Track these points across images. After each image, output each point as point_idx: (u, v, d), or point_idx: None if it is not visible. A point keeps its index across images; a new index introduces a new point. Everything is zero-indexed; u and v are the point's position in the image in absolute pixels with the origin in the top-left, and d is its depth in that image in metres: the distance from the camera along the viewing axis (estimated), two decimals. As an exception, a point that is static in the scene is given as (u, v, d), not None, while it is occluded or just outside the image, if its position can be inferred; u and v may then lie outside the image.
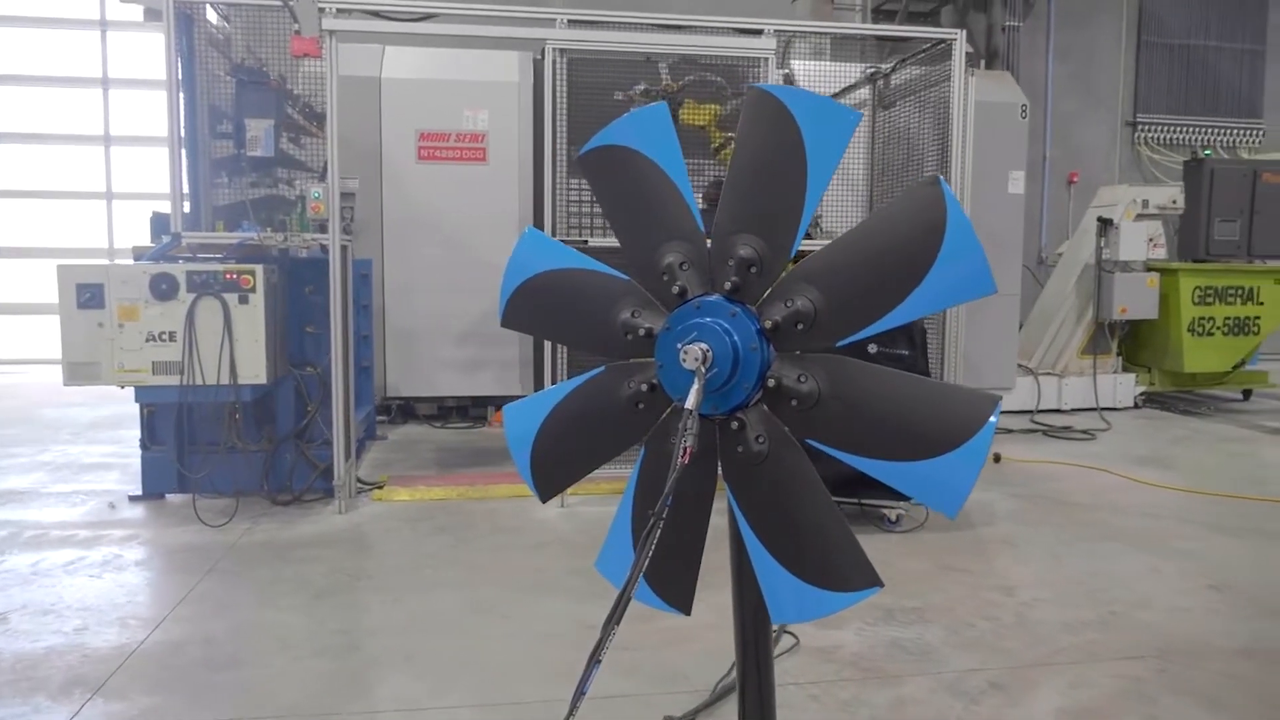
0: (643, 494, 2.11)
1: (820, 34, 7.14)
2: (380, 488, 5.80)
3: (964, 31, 5.51)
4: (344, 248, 5.41)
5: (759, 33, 5.42)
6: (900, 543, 4.85)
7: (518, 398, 7.75)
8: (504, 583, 4.26)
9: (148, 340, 4.88)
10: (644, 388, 2.03)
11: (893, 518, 5.09)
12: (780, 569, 1.98)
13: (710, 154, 6.49)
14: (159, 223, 5.71)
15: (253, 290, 4.91)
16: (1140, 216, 9.27)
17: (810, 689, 3.23)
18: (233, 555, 4.55)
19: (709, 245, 2.01)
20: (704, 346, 1.90)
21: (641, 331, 2.02)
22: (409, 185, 7.76)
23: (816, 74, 7.11)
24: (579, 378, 2.17)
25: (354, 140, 7.09)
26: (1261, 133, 14.07)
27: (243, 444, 5.37)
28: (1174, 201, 9.48)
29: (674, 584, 2.16)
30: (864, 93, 7.00)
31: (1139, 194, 9.40)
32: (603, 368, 2.15)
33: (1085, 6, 13.68)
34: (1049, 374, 9.19)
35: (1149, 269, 9.22)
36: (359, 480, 5.81)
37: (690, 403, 1.88)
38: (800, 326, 1.90)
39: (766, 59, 5.38)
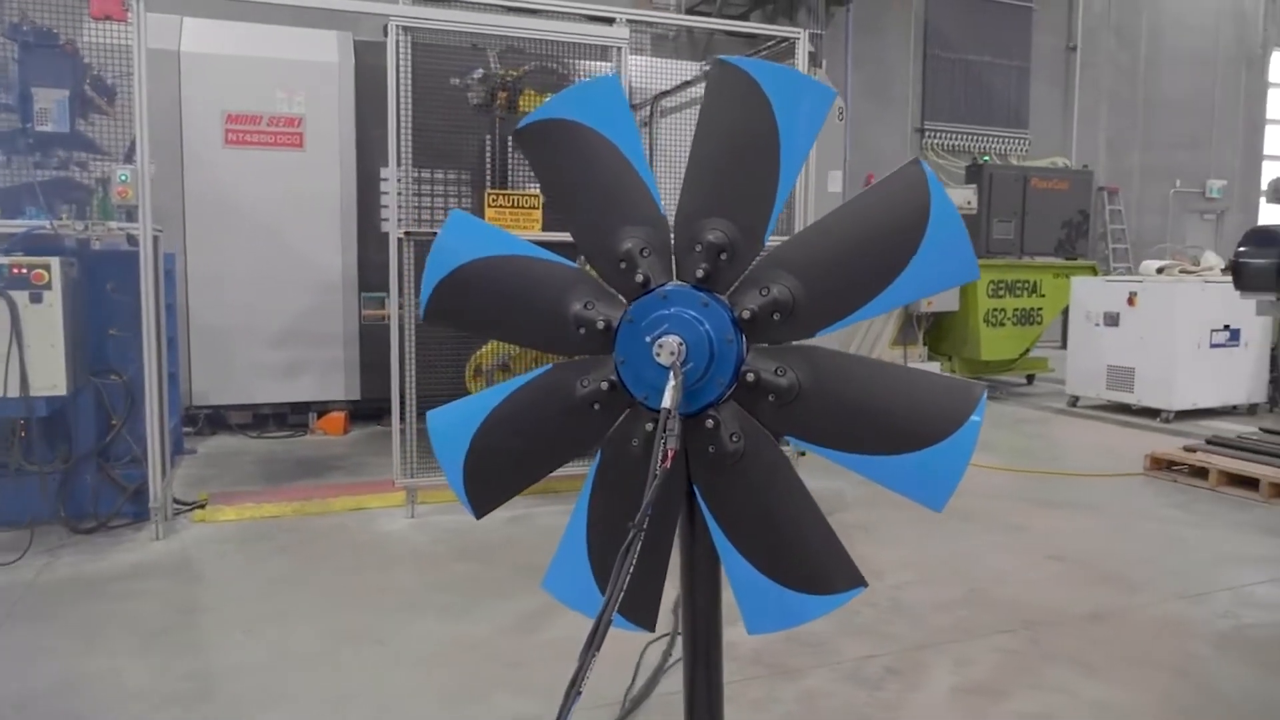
0: (600, 502, 1.92)
1: (639, 30, 7.13)
2: (201, 507, 5.20)
3: (806, 32, 5.65)
4: (155, 238, 4.79)
5: (611, 21, 5.30)
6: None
7: (342, 403, 7.20)
8: (367, 605, 3.90)
9: (-89, 347, 4.10)
10: (603, 386, 1.85)
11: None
12: (758, 575, 1.86)
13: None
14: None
15: (48, 287, 4.23)
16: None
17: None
18: (34, 595, 3.91)
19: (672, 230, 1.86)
20: (679, 339, 1.75)
21: (600, 324, 1.84)
22: (215, 172, 7.05)
23: (649, 70, 7.09)
24: (520, 378, 1.95)
25: (148, 121, 6.33)
26: (1028, 142, 15.55)
27: (33, 465, 4.63)
28: (969, 202, 10.25)
29: (637, 600, 1.98)
30: (699, 90, 7.05)
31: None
32: (549, 365, 1.94)
33: (879, 19, 14.58)
34: (865, 364, 9.67)
35: (949, 264, 9.89)
36: (175, 500, 5.18)
37: (668, 401, 1.72)
38: (777, 316, 1.78)
39: (620, 48, 5.26)
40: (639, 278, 1.82)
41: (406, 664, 3.34)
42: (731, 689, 3.21)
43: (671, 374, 1.74)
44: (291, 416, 7.63)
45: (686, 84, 7.08)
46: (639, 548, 1.68)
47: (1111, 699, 3.14)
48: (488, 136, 6.44)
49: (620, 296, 1.87)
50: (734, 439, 1.82)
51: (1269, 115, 18.27)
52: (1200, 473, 6.07)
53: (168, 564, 4.36)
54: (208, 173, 7.04)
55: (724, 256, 1.80)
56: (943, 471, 1.73)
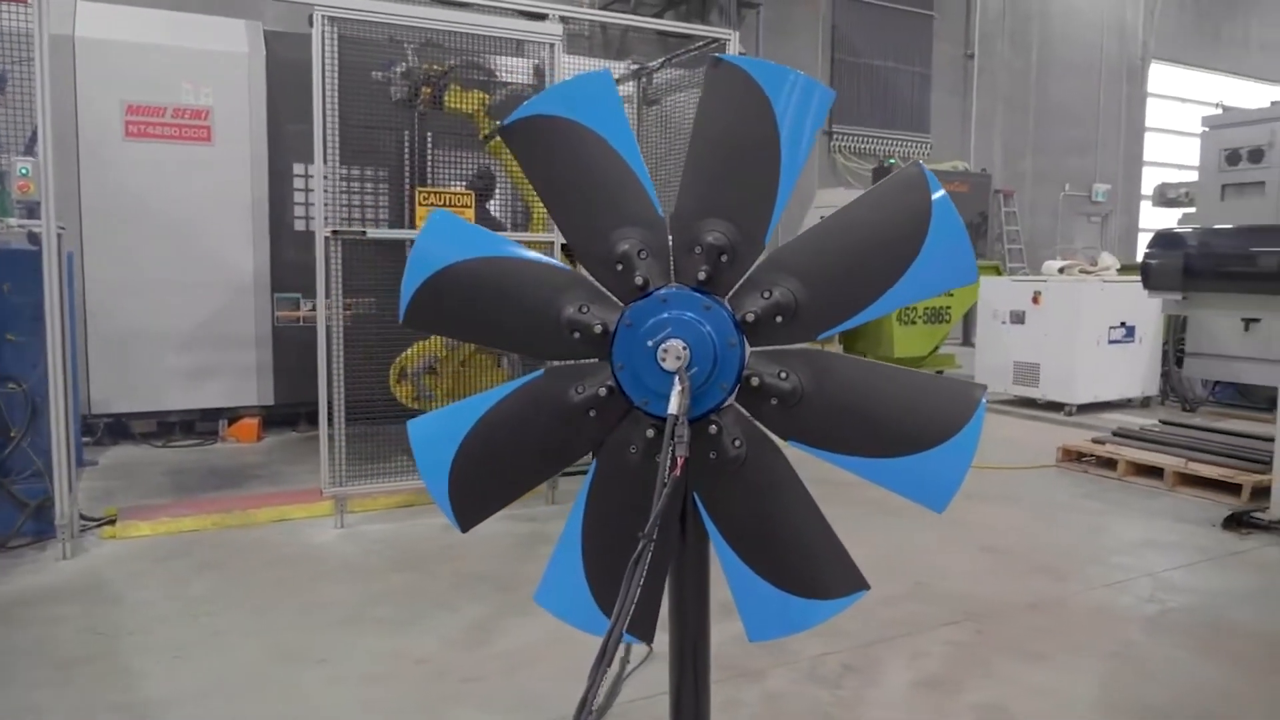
0: (597, 512, 1.86)
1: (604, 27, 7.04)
2: (111, 523, 4.88)
3: (737, 33, 5.67)
4: (59, 236, 4.47)
5: (543, 17, 5.21)
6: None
7: (255, 409, 6.90)
8: (302, 622, 3.72)
9: None
10: (601, 392, 1.79)
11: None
12: (760, 582, 1.83)
13: (479, 143, 6.17)
14: None
15: (-60, 289, 3.90)
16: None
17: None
18: (-70, 625, 3.59)
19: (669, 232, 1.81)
20: (683, 343, 1.71)
21: (597, 329, 1.77)
22: (115, 166, 6.65)
23: (571, 67, 7.01)
24: (508, 385, 1.87)
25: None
26: (930, 145, 16.07)
27: (-79, 483, 4.26)
28: (880, 203, 10.50)
29: (636, 612, 1.91)
30: (628, 88, 7.01)
31: (853, 196, 10.31)
32: (539, 371, 1.87)
33: (788, 23, 14.82)
34: (784, 363, 9.80)
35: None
36: (81, 516, 4.85)
37: (675, 407, 1.67)
38: (780, 319, 1.76)
39: (553, 45, 5.17)
40: (638, 280, 1.77)
41: (353, 683, 3.19)
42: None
43: (677, 379, 1.69)
44: (200, 424, 7.26)
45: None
46: (648, 558, 1.62)
47: (1058, 686, 3.24)
48: (407, 133, 6.26)
49: (616, 299, 1.81)
50: (736, 444, 1.78)
51: (1148, 123, 19.36)
52: (1109, 463, 6.36)
53: (79, 586, 4.07)
54: (106, 167, 6.63)
55: (724, 259, 1.76)
56: (945, 473, 1.73)
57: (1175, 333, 9.25)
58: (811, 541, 1.82)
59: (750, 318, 1.74)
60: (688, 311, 1.75)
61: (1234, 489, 5.55)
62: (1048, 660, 3.45)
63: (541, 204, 5.77)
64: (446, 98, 5.90)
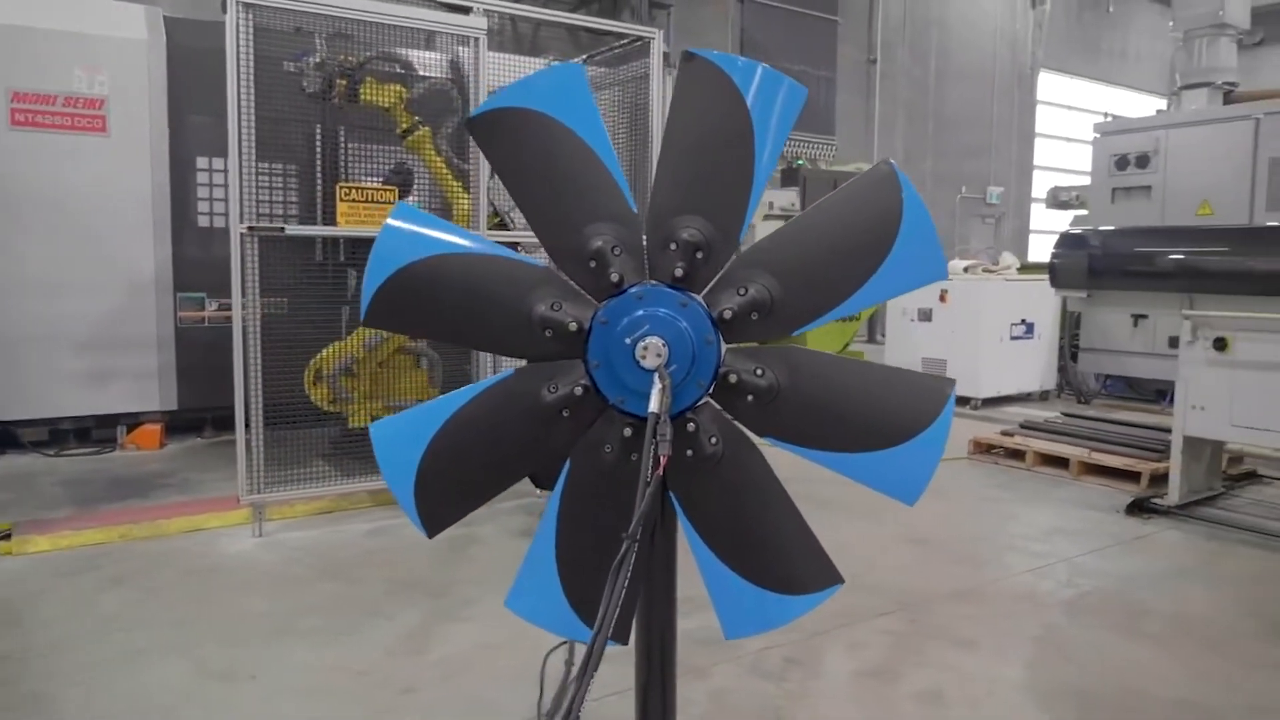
0: (571, 514, 1.82)
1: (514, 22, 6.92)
2: (5, 538, 4.56)
3: (661, 31, 5.68)
4: (-54, 232, 4.16)
5: (468, 10, 5.10)
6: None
7: (157, 414, 6.58)
8: (227, 636, 3.55)
9: None
10: (576, 391, 1.75)
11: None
12: (737, 579, 1.82)
13: (397, 137, 6.01)
14: None
15: None
16: (768, 217, 10.34)
17: (632, 695, 3.09)
18: None
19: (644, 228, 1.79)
20: (663, 341, 1.69)
21: (571, 326, 1.74)
22: (-1, 157, 6.22)
23: (494, 63, 6.90)
24: (477, 384, 1.82)
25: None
26: (835, 147, 16.44)
27: None
28: (792, 204, 10.71)
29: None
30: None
31: (767, 198, 10.48)
32: (509, 370, 1.82)
33: (698, 24, 14.96)
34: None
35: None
36: (-29, 531, 4.53)
37: (656, 405, 1.65)
38: (755, 316, 1.76)
39: (478, 39, 5.07)
40: (613, 277, 1.74)
41: (289, 698, 3.06)
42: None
43: (657, 377, 1.67)
44: (97, 431, 6.86)
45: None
46: (631, 560, 1.59)
47: (991, 672, 3.35)
48: (319, 126, 6.05)
49: (589, 297, 1.78)
50: (713, 442, 1.78)
51: (1038, 129, 20.27)
52: (1017, 454, 6.62)
53: (-25, 606, 3.80)
54: (-11, 158, 6.21)
55: (700, 255, 1.75)
56: (917, 466, 1.76)
57: (1070, 329, 9.72)
58: (787, 537, 1.83)
59: (728, 314, 1.73)
60: (665, 308, 1.73)
61: (1134, 476, 5.85)
62: (978, 646, 3.56)
63: (460, 201, 5.68)
64: (362, 91, 5.72)
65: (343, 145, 6.05)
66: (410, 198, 6.25)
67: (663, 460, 1.61)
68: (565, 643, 3.40)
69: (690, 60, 1.76)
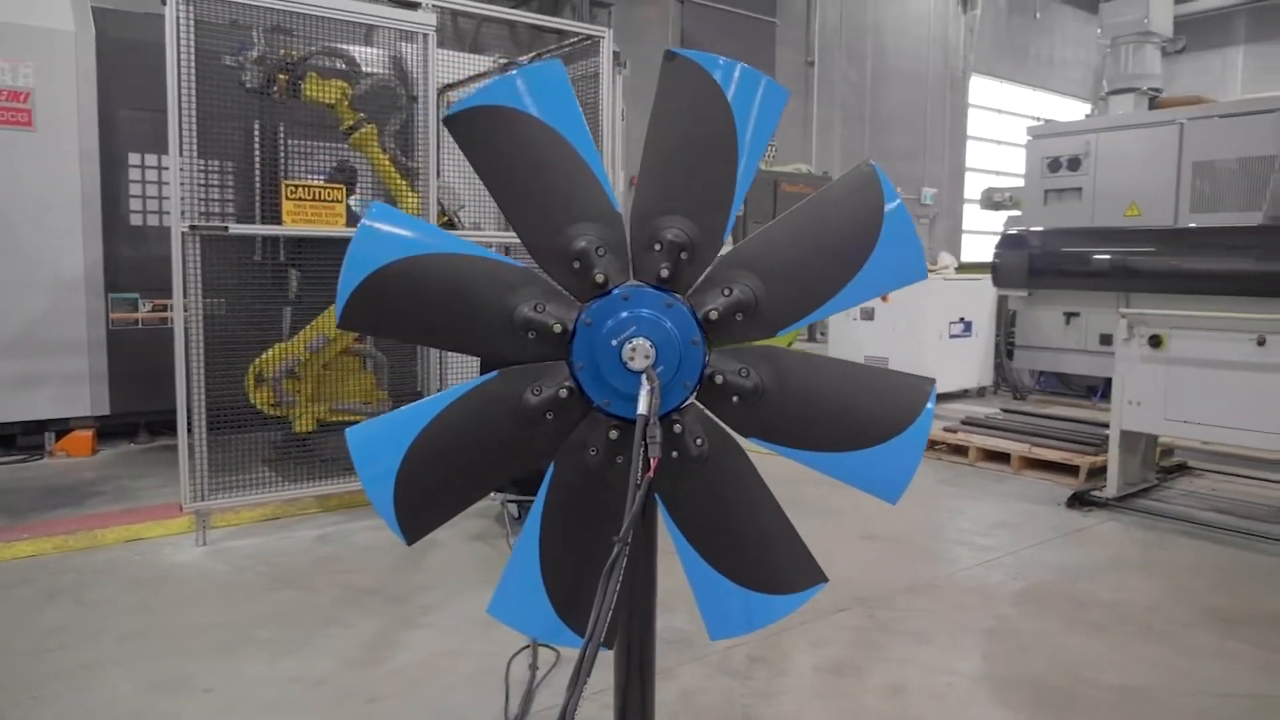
0: (556, 518, 1.80)
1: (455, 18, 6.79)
2: (-70, 552, 4.35)
3: (611, 30, 5.66)
4: None
5: (416, 5, 5.02)
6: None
7: (89, 420, 6.36)
8: (179, 649, 3.43)
9: None
10: (561, 393, 1.73)
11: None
12: (723, 580, 1.83)
13: (339, 135, 5.88)
14: None
15: None
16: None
17: (602, 698, 3.07)
18: None
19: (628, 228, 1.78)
20: (650, 342, 1.68)
21: (555, 328, 1.72)
22: (-84, 151, 5.93)
23: (442, 61, 6.80)
24: (458, 388, 1.78)
25: None
26: (775, 149, 16.61)
27: None
28: (737, 204, 10.78)
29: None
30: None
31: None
32: (493, 374, 1.79)
33: (639, 24, 14.96)
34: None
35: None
36: (-107, 546, 4.30)
37: (645, 407, 1.64)
38: (740, 316, 1.76)
39: (426, 35, 4.99)
40: (597, 278, 1.73)
41: (247, 712, 2.97)
42: (608, 697, 3.16)
43: (645, 379, 1.66)
44: (23, 438, 6.57)
45: (479, 75, 6.88)
46: (623, 563, 1.58)
47: (949, 664, 3.41)
48: (258, 122, 5.90)
49: (573, 298, 1.76)
50: (698, 443, 1.77)
51: (969, 132, 20.77)
52: (960, 450, 6.77)
53: (-99, 624, 3.61)
54: (-95, 152, 5.91)
55: (685, 255, 1.75)
56: (900, 464, 1.79)
57: (1006, 327, 9.98)
58: (772, 537, 1.84)
59: (713, 315, 1.73)
60: (651, 309, 1.72)
61: (1072, 470, 6.03)
62: (934, 639, 3.63)
63: (407, 199, 5.58)
64: (304, 86, 5.59)
65: (282, 142, 5.91)
66: (353, 197, 6.13)
67: (653, 463, 1.60)
68: (527, 647, 3.39)
69: (672, 60, 1.76)
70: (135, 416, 6.94)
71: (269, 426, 5.46)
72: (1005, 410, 7.76)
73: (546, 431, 1.76)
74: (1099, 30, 10.87)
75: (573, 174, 1.76)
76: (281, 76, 5.58)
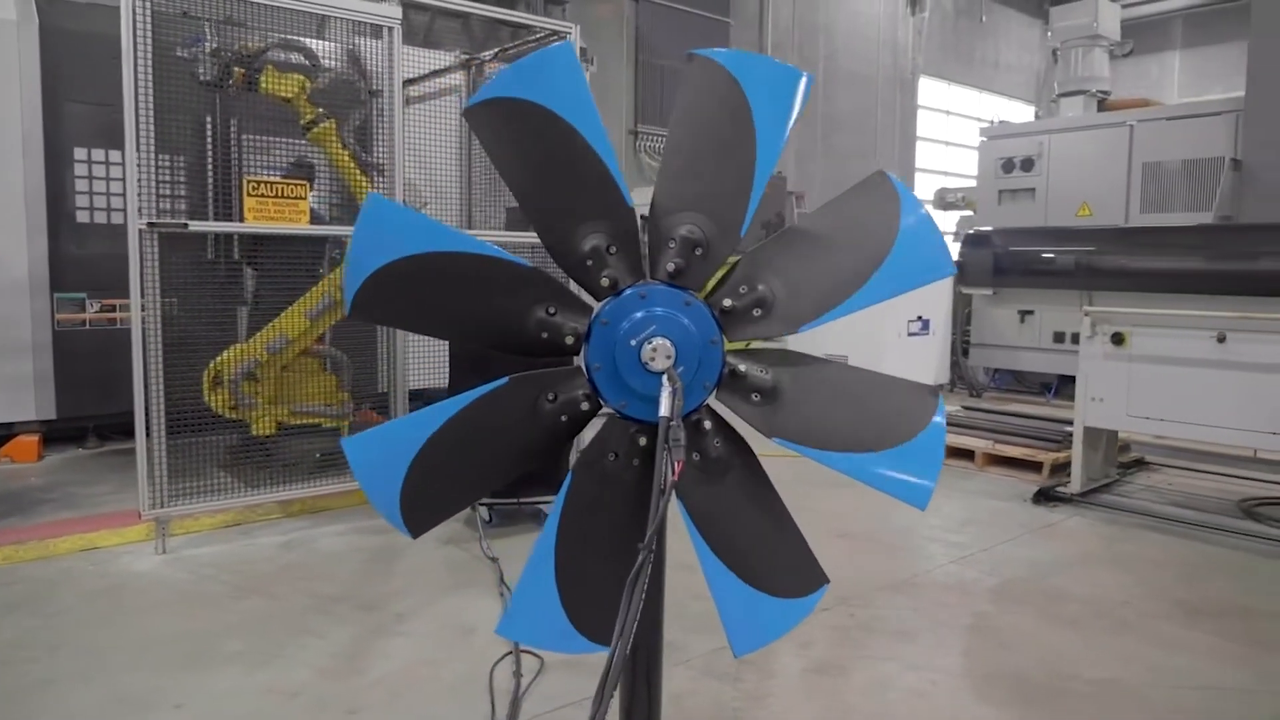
0: (572, 527, 1.74)
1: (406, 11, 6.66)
2: None
3: (578, 26, 5.60)
4: None
5: (382, -1, 4.91)
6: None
7: (34, 425, 6.13)
8: (146, 662, 3.29)
9: None
10: (579, 397, 1.68)
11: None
12: (745, 587, 1.79)
13: (297, 129, 5.73)
14: None
15: None
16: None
17: (588, 705, 3.02)
18: None
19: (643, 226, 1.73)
20: (670, 342, 1.64)
21: (569, 328, 1.67)
22: None
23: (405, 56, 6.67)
24: (469, 394, 1.72)
25: None
26: (731, 148, 16.69)
27: None
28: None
29: (609, 621, 1.82)
30: (457, 78, 6.76)
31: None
32: (504, 379, 1.73)
33: (593, 22, 14.86)
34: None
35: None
36: None
37: (668, 409, 1.59)
38: (757, 313, 1.73)
39: (392, 28, 4.87)
40: (612, 275, 1.68)
41: (221, 727, 2.86)
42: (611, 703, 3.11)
43: (667, 379, 1.62)
44: (-38, 444, 6.30)
45: (441, 71, 6.76)
46: (648, 570, 1.53)
47: (932, 662, 3.43)
48: (209, 117, 5.72)
49: (588, 296, 1.71)
50: (717, 444, 1.73)
51: (919, 133, 21.07)
52: (924, 447, 6.83)
53: None
54: None
55: (699, 252, 1.71)
56: (922, 466, 1.76)
57: (962, 325, 10.12)
58: (786, 540, 1.81)
59: (728, 304, 1.69)
60: (669, 308, 1.68)
61: (1035, 466, 6.13)
62: (917, 637, 3.64)
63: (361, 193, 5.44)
64: (262, 80, 5.43)
65: (236, 137, 5.73)
66: (312, 193, 5.98)
67: (677, 466, 1.56)
68: (510, 654, 3.32)
69: (692, 60, 1.72)
70: (83, 420, 6.69)
71: (228, 430, 5.29)
72: (966, 408, 7.86)
73: (561, 434, 1.71)
74: (1049, 33, 11.09)
75: (585, 169, 1.70)
76: (238, 70, 5.42)
